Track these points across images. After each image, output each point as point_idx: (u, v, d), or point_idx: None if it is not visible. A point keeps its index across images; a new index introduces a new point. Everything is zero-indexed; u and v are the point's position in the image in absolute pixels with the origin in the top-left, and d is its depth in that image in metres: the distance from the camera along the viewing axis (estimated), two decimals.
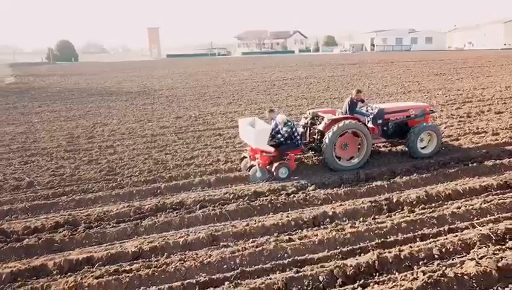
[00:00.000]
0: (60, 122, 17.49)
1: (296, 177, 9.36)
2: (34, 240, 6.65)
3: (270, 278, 5.30)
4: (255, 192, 8.42)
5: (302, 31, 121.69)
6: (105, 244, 6.63)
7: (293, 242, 6.25)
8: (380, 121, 10.81)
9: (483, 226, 6.45)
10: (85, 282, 5.36)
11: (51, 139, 14.29)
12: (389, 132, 11.00)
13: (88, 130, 15.63)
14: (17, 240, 6.79)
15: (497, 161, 9.60)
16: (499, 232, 6.20)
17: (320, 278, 5.30)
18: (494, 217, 6.90)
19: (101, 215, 7.56)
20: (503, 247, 5.84)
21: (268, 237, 6.58)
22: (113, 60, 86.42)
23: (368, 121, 10.87)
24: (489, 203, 7.24)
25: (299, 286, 5.19)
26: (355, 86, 26.06)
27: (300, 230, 6.81)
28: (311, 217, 7.09)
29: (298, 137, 9.93)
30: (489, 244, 5.98)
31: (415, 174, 9.02)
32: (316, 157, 10.64)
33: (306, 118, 11.14)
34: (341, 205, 7.62)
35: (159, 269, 5.62)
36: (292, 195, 8.14)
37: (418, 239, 6.32)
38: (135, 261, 5.97)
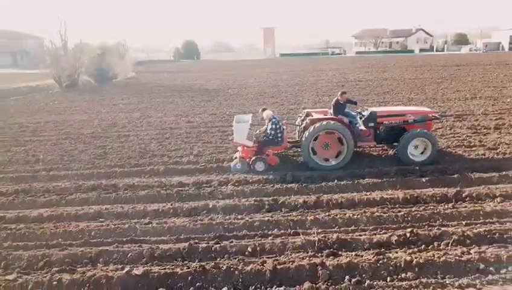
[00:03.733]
0: (119, 114, 20.46)
1: (271, 172, 9.90)
2: None
3: (91, 248, 6.38)
4: (180, 183, 9.39)
5: (431, 28, 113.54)
6: (30, 209, 8.37)
7: (147, 225, 7.19)
8: (371, 124, 10.68)
9: (321, 235, 6.48)
10: None
11: (95, 126, 17.07)
12: (382, 136, 10.82)
13: (130, 121, 18.10)
14: None
15: (445, 176, 8.91)
16: (328, 241, 6.23)
17: (129, 255, 6.19)
18: (355, 228, 6.82)
19: (50, 188, 9.41)
20: (316, 254, 5.95)
21: (143, 219, 7.60)
22: (231, 58, 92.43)
23: (356, 124, 10.82)
24: (362, 215, 7.10)
25: (107, 258, 6.17)
26: (425, 90, 24.46)
27: (174, 218, 7.63)
28: (190, 208, 7.85)
29: (280, 134, 10.49)
30: (309, 250, 6.11)
31: (335, 181, 8.93)
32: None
33: (300, 116, 11.58)
34: (228, 200, 8.17)
35: (31, 231, 7.12)
36: (202, 188, 8.91)
37: (258, 237, 6.68)
38: (30, 224, 7.55)
